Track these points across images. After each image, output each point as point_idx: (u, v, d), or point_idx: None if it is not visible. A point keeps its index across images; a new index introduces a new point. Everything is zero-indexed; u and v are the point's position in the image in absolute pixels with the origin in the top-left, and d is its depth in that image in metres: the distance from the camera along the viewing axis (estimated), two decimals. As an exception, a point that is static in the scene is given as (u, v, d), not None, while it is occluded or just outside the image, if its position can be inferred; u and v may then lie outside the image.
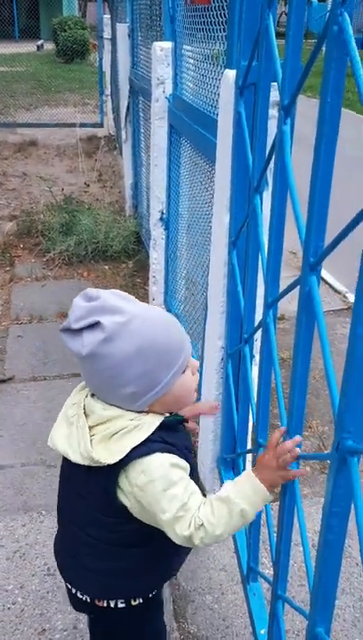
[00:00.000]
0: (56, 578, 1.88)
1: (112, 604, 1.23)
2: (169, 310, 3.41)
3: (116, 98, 6.24)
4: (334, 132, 0.86)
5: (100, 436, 1.10)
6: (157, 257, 3.49)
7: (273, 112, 1.48)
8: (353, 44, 0.77)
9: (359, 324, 0.74)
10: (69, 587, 1.28)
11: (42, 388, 2.98)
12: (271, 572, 1.35)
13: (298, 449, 1.07)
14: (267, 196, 1.50)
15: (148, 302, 3.68)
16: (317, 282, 0.95)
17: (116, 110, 7.08)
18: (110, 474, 1.09)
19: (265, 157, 1.38)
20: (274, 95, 1.48)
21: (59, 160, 7.33)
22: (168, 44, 2.89)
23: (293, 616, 1.80)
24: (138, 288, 4.04)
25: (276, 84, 1.49)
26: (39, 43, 20.36)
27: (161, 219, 3.34)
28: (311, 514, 2.13)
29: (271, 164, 1.31)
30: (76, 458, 1.11)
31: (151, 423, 1.10)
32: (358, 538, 0.79)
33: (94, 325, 1.03)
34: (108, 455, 1.07)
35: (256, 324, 1.48)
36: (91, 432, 1.11)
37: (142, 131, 4.37)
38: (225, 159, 1.71)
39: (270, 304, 1.23)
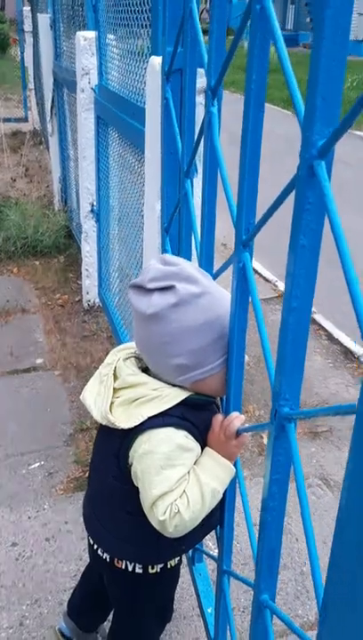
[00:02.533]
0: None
1: (130, 568, 1.23)
2: (103, 303, 3.40)
3: (40, 91, 6.12)
4: (260, 109, 0.88)
5: (121, 399, 1.11)
6: (89, 250, 3.46)
7: (199, 99, 1.50)
8: (275, 20, 0.80)
9: (293, 298, 0.76)
10: (91, 542, 1.30)
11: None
12: (215, 554, 1.38)
13: (241, 415, 1.10)
14: (197, 181, 1.52)
15: (81, 297, 3.66)
16: (249, 258, 0.98)
17: (40, 104, 6.95)
18: (124, 439, 1.10)
19: (194, 142, 1.40)
20: (200, 82, 1.50)
21: (-18, 156, 7.13)
22: (92, 34, 2.87)
23: (238, 594, 1.84)
24: (70, 283, 3.99)
25: (202, 70, 1.52)
26: None
27: (92, 211, 3.32)
28: (252, 494, 2.18)
29: (200, 149, 1.33)
30: (97, 415, 1.13)
31: (174, 397, 1.08)
32: (299, 497, 0.82)
33: (168, 289, 1.02)
34: (124, 419, 1.08)
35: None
36: (115, 394, 1.13)
37: (68, 123, 4.31)
38: (154, 146, 1.71)
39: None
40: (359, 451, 0.55)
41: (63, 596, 1.78)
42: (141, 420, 1.06)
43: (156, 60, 1.64)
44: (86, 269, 3.51)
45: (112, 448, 1.14)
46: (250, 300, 0.99)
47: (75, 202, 4.41)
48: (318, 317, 3.66)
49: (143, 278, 1.04)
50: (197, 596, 1.61)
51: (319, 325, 3.60)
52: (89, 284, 3.55)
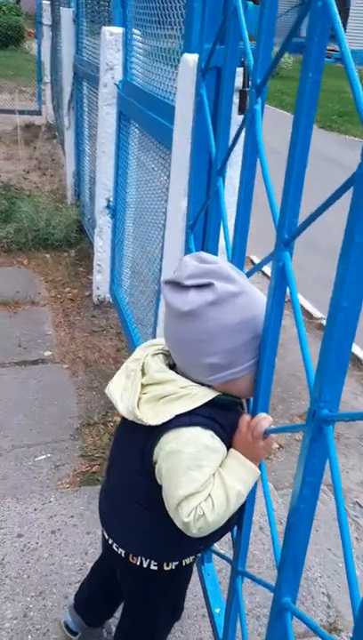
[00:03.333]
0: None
1: (145, 564, 1.22)
2: (114, 299, 3.39)
3: (57, 85, 6.12)
4: (313, 107, 0.88)
5: (149, 395, 1.10)
6: (102, 245, 3.45)
7: (234, 99, 1.50)
8: (338, 18, 0.79)
9: (343, 297, 0.76)
10: (106, 537, 1.28)
11: (-17, 376, 2.90)
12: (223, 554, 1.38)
13: (269, 416, 1.09)
14: (227, 180, 1.52)
15: (92, 291, 3.65)
16: (290, 257, 0.97)
17: (56, 98, 6.95)
18: (150, 435, 1.09)
19: (229, 140, 1.40)
20: (237, 81, 1.50)
21: (-5, 147, 7.13)
22: (118, 30, 2.86)
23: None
24: (81, 277, 3.99)
25: (239, 69, 1.51)
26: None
27: (108, 206, 3.31)
28: (260, 496, 2.17)
29: (236, 147, 1.33)
30: (123, 410, 1.12)
31: (202, 396, 1.07)
32: (336, 504, 0.81)
33: (205, 286, 1.02)
34: (151, 416, 1.07)
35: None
36: (143, 390, 1.12)
37: (86, 118, 4.31)
38: (184, 144, 1.71)
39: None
40: None
41: (68, 590, 1.77)
42: (169, 417, 1.05)
43: (190, 57, 1.63)
44: (98, 264, 3.51)
45: (137, 444, 1.13)
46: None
47: (87, 197, 4.41)
48: (308, 306, 3.67)
49: (180, 274, 1.03)
50: (206, 596, 1.60)
51: (310, 315, 3.60)
52: (100, 279, 3.54)
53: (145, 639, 1.39)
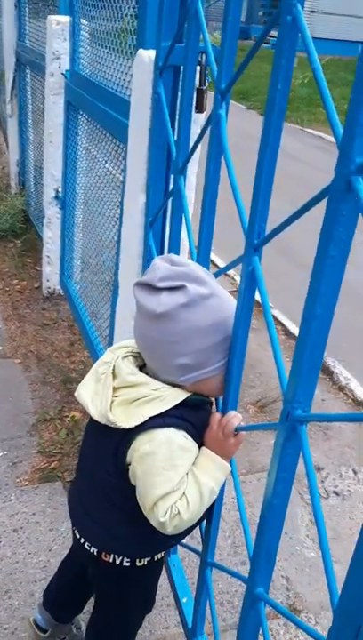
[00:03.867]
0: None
1: (117, 561, 1.24)
2: (66, 291, 3.36)
3: (-2, 70, 5.94)
4: (281, 117, 0.90)
5: (121, 398, 1.11)
6: (51, 236, 3.40)
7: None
8: (308, 32, 0.82)
9: (318, 304, 0.79)
10: (78, 536, 1.29)
11: None
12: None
13: (239, 414, 1.13)
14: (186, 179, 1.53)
15: (41, 283, 3.60)
16: (259, 262, 1.00)
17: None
18: (123, 438, 1.10)
19: (189, 140, 1.41)
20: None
21: None
22: (65, 19, 2.81)
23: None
24: (29, 268, 3.92)
25: (196, 67, 1.52)
26: None
27: (56, 197, 3.27)
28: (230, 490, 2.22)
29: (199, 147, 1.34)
30: (95, 414, 1.13)
31: (174, 398, 1.09)
32: (311, 497, 0.85)
33: (178, 288, 1.03)
34: (124, 419, 1.08)
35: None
36: (115, 393, 1.13)
37: (30, 106, 4.21)
38: (140, 140, 1.71)
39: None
40: None
41: (34, 587, 1.78)
42: (143, 419, 1.07)
43: (145, 54, 1.63)
44: (48, 256, 3.46)
45: (109, 445, 1.14)
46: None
47: (33, 186, 4.32)
48: (276, 313, 3.74)
49: (152, 277, 1.05)
50: (172, 586, 1.64)
51: (277, 320, 3.68)
52: (50, 271, 3.50)
53: (118, 633, 1.41)
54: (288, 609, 1.87)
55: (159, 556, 1.30)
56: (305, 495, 2.43)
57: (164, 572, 1.68)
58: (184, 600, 1.57)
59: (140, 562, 1.26)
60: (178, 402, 1.09)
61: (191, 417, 1.12)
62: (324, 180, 0.74)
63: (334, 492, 2.44)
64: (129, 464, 1.12)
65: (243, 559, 2.01)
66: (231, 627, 1.76)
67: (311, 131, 9.72)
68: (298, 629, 1.77)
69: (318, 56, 0.81)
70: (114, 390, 1.13)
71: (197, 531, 1.33)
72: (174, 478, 1.07)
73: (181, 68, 1.42)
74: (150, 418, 1.07)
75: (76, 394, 1.21)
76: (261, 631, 1.08)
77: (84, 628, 1.61)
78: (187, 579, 1.67)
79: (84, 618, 1.63)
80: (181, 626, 1.64)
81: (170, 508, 1.07)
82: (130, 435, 1.09)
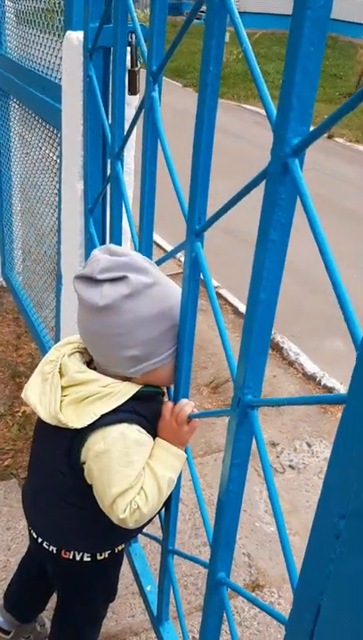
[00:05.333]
0: None
1: (78, 557, 1.22)
2: (8, 283, 3.28)
3: None
4: (215, 99, 0.89)
5: (71, 398, 1.07)
6: (-11, 227, 3.30)
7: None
8: (236, 12, 0.80)
9: (262, 289, 0.78)
10: (35, 536, 1.26)
11: None
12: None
13: (191, 402, 1.12)
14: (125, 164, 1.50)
15: (-18, 276, 3.50)
16: (201, 247, 0.98)
17: None
18: (75, 438, 1.07)
19: (124, 124, 1.38)
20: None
21: None
22: (-12, -2, 2.70)
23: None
24: (-32, 261, 3.80)
25: (127, 48, 1.48)
26: None
27: (-8, 187, 3.16)
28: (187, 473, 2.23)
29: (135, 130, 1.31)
30: (44, 415, 1.09)
31: (125, 392, 1.07)
32: (266, 481, 0.85)
33: (120, 279, 1.00)
34: (75, 419, 1.05)
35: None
36: (63, 392, 1.09)
37: None
38: (74, 125, 1.66)
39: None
40: (344, 447, 0.57)
41: (-6, 588, 1.74)
42: (95, 418, 1.05)
43: (74, 36, 1.58)
44: (-13, 248, 3.36)
45: (61, 446, 1.11)
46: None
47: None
48: (224, 292, 3.75)
49: (92, 269, 1.02)
50: (135, 575, 1.64)
51: (226, 300, 3.69)
52: (-10, 263, 3.40)
53: (83, 626, 1.40)
54: (251, 585, 1.90)
55: (120, 547, 1.29)
56: (262, 472, 2.46)
57: (126, 560, 1.68)
58: (148, 588, 1.57)
59: (100, 555, 1.24)
60: (129, 396, 1.08)
61: (143, 409, 1.10)
62: (264, 157, 0.73)
63: (290, 466, 2.48)
64: (84, 463, 1.10)
65: (204, 541, 2.02)
66: (197, 609, 1.77)
67: (248, 106, 9.73)
68: (262, 604, 1.80)
69: (251, 30, 0.81)
70: (62, 389, 1.10)
71: (157, 517, 1.33)
72: (131, 474, 1.06)
73: (112, 49, 1.38)
74: (102, 415, 1.05)
75: (23, 395, 1.17)
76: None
77: (48, 625, 1.60)
78: (149, 565, 1.67)
79: (47, 615, 1.61)
80: (146, 613, 1.64)
81: (129, 504, 1.06)
82: (82, 434, 1.07)
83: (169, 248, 4.35)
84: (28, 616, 1.55)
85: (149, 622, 1.59)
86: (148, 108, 1.11)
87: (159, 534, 1.39)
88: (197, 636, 1.15)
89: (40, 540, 1.25)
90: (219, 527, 1.02)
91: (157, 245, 4.31)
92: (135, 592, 1.77)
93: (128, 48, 1.48)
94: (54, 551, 1.23)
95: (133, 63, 1.53)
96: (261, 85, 0.74)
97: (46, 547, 1.24)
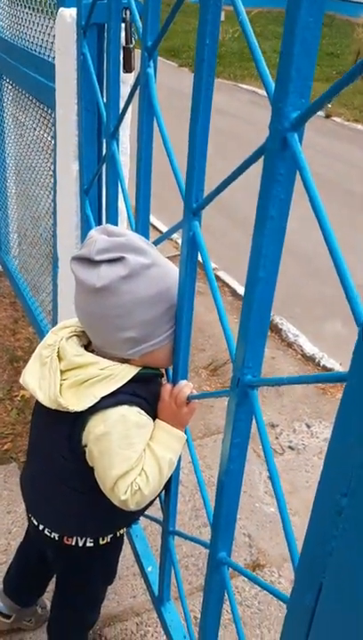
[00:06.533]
0: None
1: (80, 543, 1.22)
2: (4, 267, 3.26)
3: None
4: (212, 75, 0.87)
5: (70, 381, 1.06)
6: (-16, 211, 3.27)
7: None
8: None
9: (261, 267, 0.77)
10: (36, 523, 1.25)
11: None
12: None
13: (190, 383, 1.11)
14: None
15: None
16: (199, 226, 0.97)
17: None
18: (76, 421, 1.06)
19: (119, 103, 1.35)
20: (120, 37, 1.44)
21: None
22: (-21, -24, 2.65)
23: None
24: (-36, 246, 3.77)
25: (121, 25, 1.45)
26: None
27: (-14, 170, 3.13)
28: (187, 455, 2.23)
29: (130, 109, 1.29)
30: (44, 399, 1.08)
31: (125, 375, 1.06)
32: (266, 461, 0.85)
33: (117, 260, 0.99)
34: (75, 402, 1.04)
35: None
36: (62, 376, 1.08)
37: None
38: (69, 104, 1.63)
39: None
40: (346, 424, 0.56)
41: (-4, 571, 1.75)
42: (95, 401, 1.04)
43: (67, 13, 1.55)
44: (-17, 232, 3.33)
45: (62, 430, 1.10)
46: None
47: None
48: (221, 274, 3.74)
49: (89, 250, 1.00)
50: (136, 556, 1.64)
51: (224, 282, 3.68)
52: (-14, 247, 3.37)
53: (82, 609, 1.41)
54: (252, 565, 1.92)
55: (122, 531, 1.29)
56: (261, 453, 2.47)
57: (127, 542, 1.68)
58: (149, 569, 1.58)
59: (103, 540, 1.25)
60: (128, 378, 1.07)
61: (143, 391, 1.09)
62: (261, 136, 0.71)
63: (289, 447, 2.49)
64: (85, 446, 1.09)
65: (204, 522, 2.03)
66: (198, 589, 1.78)
67: (245, 86, 9.64)
68: (262, 583, 1.81)
69: (247, 9, 0.77)
70: (61, 373, 1.09)
71: (158, 499, 1.33)
72: (132, 456, 1.06)
73: (106, 25, 1.36)
74: (102, 398, 1.04)
75: (21, 380, 1.16)
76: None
77: (49, 607, 1.60)
78: (150, 546, 1.68)
79: (48, 597, 1.62)
80: (147, 594, 1.65)
81: (130, 486, 1.06)
82: (83, 417, 1.06)
83: (166, 230, 4.33)
84: (29, 600, 1.56)
85: (151, 603, 1.60)
86: (143, 84, 1.08)
87: (160, 516, 1.39)
88: (199, 616, 1.16)
89: (41, 527, 1.24)
90: (219, 507, 1.01)
91: (154, 228, 4.28)
92: (136, 573, 1.78)
93: (122, 24, 1.46)
94: (56, 538, 1.22)
95: (128, 40, 1.50)
96: (257, 56, 0.72)
97: (48, 533, 1.23)
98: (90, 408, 1.04)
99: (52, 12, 1.87)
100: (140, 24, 1.09)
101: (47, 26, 1.92)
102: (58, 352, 1.11)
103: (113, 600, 1.74)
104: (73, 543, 1.22)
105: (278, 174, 0.71)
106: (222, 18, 0.84)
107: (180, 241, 1.02)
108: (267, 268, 0.78)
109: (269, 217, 0.74)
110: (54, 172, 1.95)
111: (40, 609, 1.61)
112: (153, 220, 4.30)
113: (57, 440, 1.12)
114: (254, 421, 0.90)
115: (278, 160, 0.70)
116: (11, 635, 1.61)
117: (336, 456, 0.57)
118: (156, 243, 1.16)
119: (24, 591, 1.54)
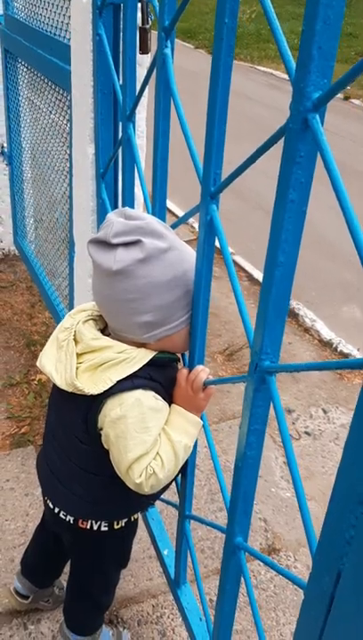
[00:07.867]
0: None
1: (95, 527, 1.23)
2: (21, 252, 3.26)
3: None
4: (230, 54, 0.85)
5: (86, 364, 1.06)
6: (0, 194, 3.28)
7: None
8: None
9: (280, 251, 0.76)
10: (51, 506, 1.26)
11: None
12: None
13: (206, 368, 1.10)
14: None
15: (-5, 245, 3.49)
16: (216, 210, 0.96)
17: None
18: (92, 404, 1.07)
19: (135, 84, 1.34)
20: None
21: None
22: None
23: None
24: (-19, 230, 3.79)
25: (138, 5, 1.43)
26: None
27: (2, 152, 3.13)
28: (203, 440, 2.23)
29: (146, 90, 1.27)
30: (60, 382, 1.09)
31: (141, 359, 1.06)
32: (284, 447, 0.84)
33: (134, 244, 0.98)
34: (91, 385, 1.04)
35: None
36: (79, 360, 1.08)
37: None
38: (84, 87, 1.62)
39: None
40: None
41: (13, 553, 1.77)
42: (111, 384, 1.04)
43: (83, -8, 1.52)
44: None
45: (78, 413, 1.11)
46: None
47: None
48: (238, 259, 3.71)
49: (106, 233, 1.00)
50: (153, 539, 1.65)
51: (240, 267, 3.66)
52: (3, 231, 3.38)
53: (97, 593, 1.42)
54: (267, 549, 1.92)
55: (136, 516, 1.30)
56: (277, 438, 2.46)
57: (143, 525, 1.69)
58: (165, 552, 1.59)
59: (117, 524, 1.25)
60: (144, 362, 1.06)
61: (159, 376, 1.09)
62: (279, 120, 0.70)
63: (306, 433, 2.48)
64: (101, 429, 1.09)
65: (220, 506, 2.04)
66: (213, 572, 1.79)
67: (262, 68, 9.51)
68: (278, 568, 1.82)
69: None
70: (77, 357, 1.09)
71: (173, 483, 1.33)
72: (147, 440, 1.06)
73: (122, 5, 1.34)
74: (118, 381, 1.04)
75: (38, 364, 1.16)
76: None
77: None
78: (166, 530, 1.69)
79: (65, 578, 1.64)
80: (163, 576, 1.66)
81: (145, 469, 1.06)
82: (99, 400, 1.06)
83: (180, 213, 4.30)
84: (45, 581, 1.58)
85: (166, 585, 1.61)
86: (160, 65, 1.07)
87: (176, 500, 1.40)
88: (215, 599, 1.16)
89: (57, 509, 1.25)
90: (237, 492, 1.01)
91: (170, 212, 4.26)
92: (152, 556, 1.79)
93: (138, 4, 1.44)
94: (71, 521, 1.23)
95: (144, 20, 1.48)
96: (278, 35, 0.70)
97: (63, 516, 1.24)
98: (106, 391, 1.04)
99: (67, -7, 1.85)
100: (156, 3, 1.07)
101: (62, 6, 1.90)
102: (74, 335, 1.11)
103: (130, 582, 1.76)
104: (88, 527, 1.22)
105: (299, 156, 0.70)
106: (240, -3, 0.83)
107: (196, 225, 1.00)
108: (287, 253, 0.77)
109: (289, 200, 0.73)
110: (70, 155, 1.93)
111: (57, 590, 1.63)
112: (168, 203, 4.27)
113: (73, 423, 1.13)
114: (270, 407, 0.90)
115: (298, 141, 0.69)
116: (29, 615, 1.63)
117: (357, 444, 0.56)
118: (172, 227, 1.15)
119: (41, 573, 1.56)
